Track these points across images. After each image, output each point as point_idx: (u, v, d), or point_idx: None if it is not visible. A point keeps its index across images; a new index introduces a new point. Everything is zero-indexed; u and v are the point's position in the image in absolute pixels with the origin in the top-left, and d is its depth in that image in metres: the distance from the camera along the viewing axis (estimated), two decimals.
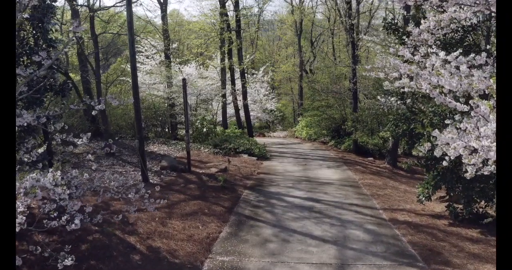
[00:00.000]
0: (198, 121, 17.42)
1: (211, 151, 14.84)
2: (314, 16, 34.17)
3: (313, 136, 22.72)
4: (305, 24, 33.50)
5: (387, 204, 8.74)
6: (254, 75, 28.93)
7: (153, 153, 14.64)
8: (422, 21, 5.07)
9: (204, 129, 17.14)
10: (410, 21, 7.83)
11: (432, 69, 5.02)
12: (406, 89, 5.99)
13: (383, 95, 11.16)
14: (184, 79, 11.29)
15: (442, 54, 5.04)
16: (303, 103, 29.55)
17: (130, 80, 21.42)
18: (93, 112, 4.56)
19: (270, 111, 31.33)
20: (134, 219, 6.78)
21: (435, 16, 4.85)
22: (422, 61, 5.28)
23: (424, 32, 4.76)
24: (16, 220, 3.05)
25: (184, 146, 13.23)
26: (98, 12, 15.18)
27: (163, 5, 20.19)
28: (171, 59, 20.22)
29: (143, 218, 7.00)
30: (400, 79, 4.33)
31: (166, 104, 19.25)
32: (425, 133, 7.30)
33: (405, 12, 9.03)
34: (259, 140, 21.80)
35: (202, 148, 15.26)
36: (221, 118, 23.38)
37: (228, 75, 21.64)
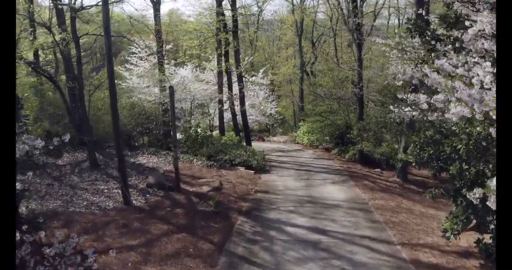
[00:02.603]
0: (192, 128, 16.06)
1: (205, 163, 13.58)
2: (315, 16, 32.88)
3: (315, 142, 21.48)
4: (306, 24, 32.20)
5: (405, 236, 7.48)
6: (253, 78, 27.60)
7: (141, 166, 13.40)
8: (468, 23, 3.81)
9: (199, 137, 15.81)
10: (434, 22, 6.58)
11: (481, 88, 3.80)
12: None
13: (396, 105, 9.88)
14: (171, 87, 10.02)
15: (487, 65, 3.82)
16: (304, 106, 28.29)
17: (122, 84, 20.34)
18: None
19: (270, 114, 30.02)
20: (101, 265, 5.55)
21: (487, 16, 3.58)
22: (466, 76, 4.04)
23: (480, 38, 3.50)
24: None
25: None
26: (82, 12, 13.88)
27: (156, 4, 18.88)
28: (165, 61, 18.87)
29: (113, 262, 5.77)
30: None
31: (160, 110, 17.97)
32: (455, 157, 6.05)
33: (423, 12, 7.62)
34: (258, 145, 20.55)
35: (195, 159, 14.00)
36: (218, 123, 22.08)
37: (225, 79, 20.31)
